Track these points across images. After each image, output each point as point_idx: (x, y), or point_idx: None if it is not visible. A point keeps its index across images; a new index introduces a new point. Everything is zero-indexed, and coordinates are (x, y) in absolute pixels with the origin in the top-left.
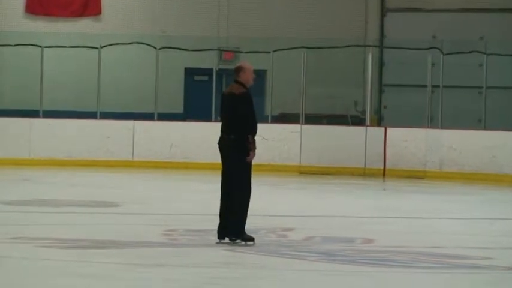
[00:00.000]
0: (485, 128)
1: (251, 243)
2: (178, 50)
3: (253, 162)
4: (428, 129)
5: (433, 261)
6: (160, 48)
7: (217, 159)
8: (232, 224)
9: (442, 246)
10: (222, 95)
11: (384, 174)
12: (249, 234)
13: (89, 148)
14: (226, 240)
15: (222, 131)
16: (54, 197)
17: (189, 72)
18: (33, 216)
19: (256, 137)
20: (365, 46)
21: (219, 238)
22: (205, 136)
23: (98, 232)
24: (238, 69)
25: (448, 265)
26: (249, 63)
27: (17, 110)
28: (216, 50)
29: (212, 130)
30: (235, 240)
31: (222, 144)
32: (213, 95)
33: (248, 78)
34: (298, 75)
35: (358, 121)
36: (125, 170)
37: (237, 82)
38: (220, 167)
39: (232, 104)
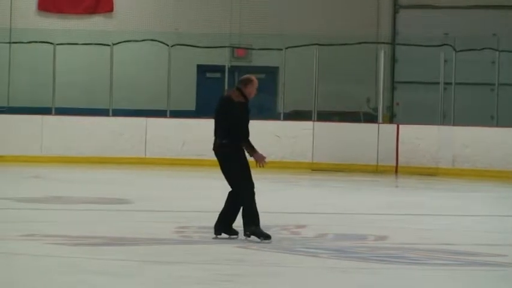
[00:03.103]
0: (497, 125)
1: (267, 241)
2: (190, 47)
3: (266, 159)
4: (440, 126)
5: (445, 258)
6: (172, 46)
7: None
8: (247, 221)
9: (454, 243)
10: (219, 99)
11: (396, 171)
12: (266, 232)
13: (101, 145)
14: (223, 235)
15: (214, 135)
16: (66, 194)
17: (202, 69)
18: (44, 213)
19: (268, 135)
20: (377, 43)
21: (215, 233)
22: None
23: (110, 229)
24: (247, 81)
25: (460, 262)
26: (255, 77)
27: (29, 107)
28: (228, 47)
29: None
30: (250, 236)
31: (215, 148)
32: (226, 91)
33: (252, 92)
34: (310, 72)
35: (371, 118)
36: (137, 167)
37: (239, 90)
38: None
39: (227, 109)
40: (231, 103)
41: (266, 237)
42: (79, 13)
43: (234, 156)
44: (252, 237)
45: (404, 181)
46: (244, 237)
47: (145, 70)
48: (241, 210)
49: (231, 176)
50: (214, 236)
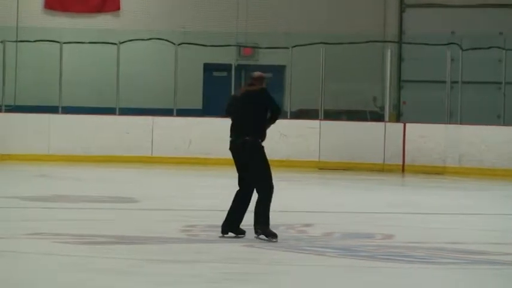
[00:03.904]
0: (504, 124)
1: (274, 240)
2: (197, 46)
3: (273, 158)
4: (447, 125)
5: (452, 257)
6: (179, 44)
7: None
8: (260, 220)
9: (461, 242)
10: (232, 96)
11: (402, 170)
12: (273, 231)
13: (107, 144)
14: (230, 234)
15: (236, 134)
16: (72, 193)
17: (208, 68)
18: (51, 212)
19: (274, 133)
20: (384, 42)
21: (222, 233)
22: (224, 132)
23: (117, 228)
24: (262, 79)
25: (467, 261)
26: None
27: (36, 106)
28: (235, 45)
29: None
30: (260, 234)
31: (234, 146)
32: (232, 90)
33: None
34: (317, 71)
35: (377, 117)
36: (144, 166)
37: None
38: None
39: (250, 103)
40: (253, 95)
41: (273, 236)
42: (86, 12)
43: (257, 154)
44: (260, 235)
45: (411, 180)
46: (255, 235)
47: (152, 69)
48: (253, 207)
49: (253, 173)
50: (221, 235)
